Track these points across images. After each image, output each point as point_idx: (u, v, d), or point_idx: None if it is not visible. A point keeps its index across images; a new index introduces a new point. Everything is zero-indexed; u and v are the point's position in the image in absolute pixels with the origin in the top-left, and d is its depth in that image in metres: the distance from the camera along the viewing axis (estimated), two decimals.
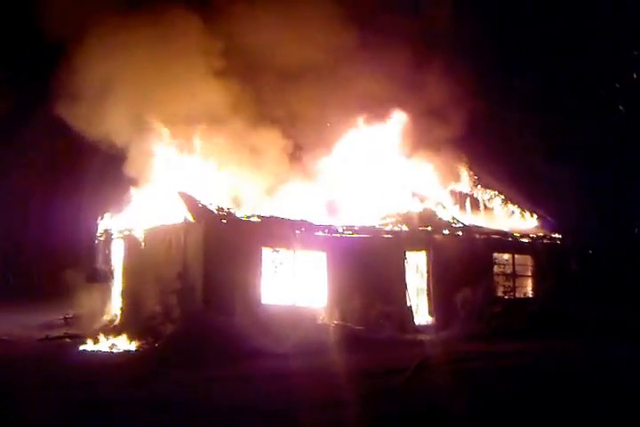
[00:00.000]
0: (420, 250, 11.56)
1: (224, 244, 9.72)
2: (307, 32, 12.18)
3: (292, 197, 11.58)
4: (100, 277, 11.83)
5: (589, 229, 14.16)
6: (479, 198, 13.98)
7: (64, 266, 13.18)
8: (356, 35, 12.86)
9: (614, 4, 15.58)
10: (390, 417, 5.68)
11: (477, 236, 12.17)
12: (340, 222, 10.91)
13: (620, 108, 14.14)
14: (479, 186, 14.08)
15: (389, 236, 11.17)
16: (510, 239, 12.66)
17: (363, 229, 10.99)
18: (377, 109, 13.71)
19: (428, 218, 11.88)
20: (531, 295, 12.65)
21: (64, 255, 14.60)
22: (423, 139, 13.50)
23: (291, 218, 10.56)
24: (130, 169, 11.09)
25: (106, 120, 11.08)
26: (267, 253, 10.14)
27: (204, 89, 11.41)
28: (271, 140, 12.29)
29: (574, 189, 15.66)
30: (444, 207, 12.72)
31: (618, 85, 14.23)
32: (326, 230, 10.60)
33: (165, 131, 11.14)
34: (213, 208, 10.18)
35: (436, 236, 11.66)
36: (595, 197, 15.99)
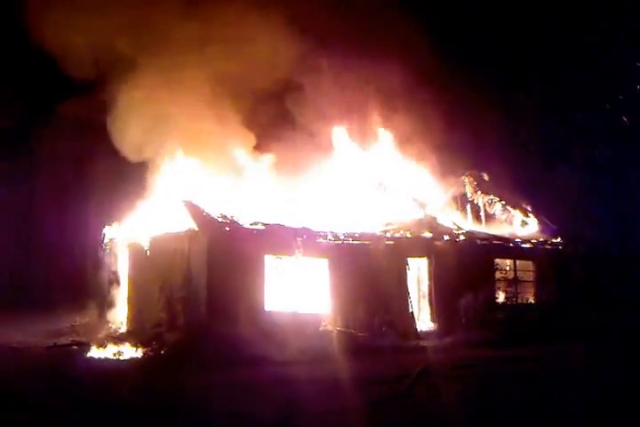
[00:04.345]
0: (421, 256, 11.60)
1: (228, 251, 9.83)
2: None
3: (293, 204, 11.71)
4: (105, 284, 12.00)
5: (591, 234, 14.17)
6: (480, 204, 14.04)
7: (71, 274, 13.37)
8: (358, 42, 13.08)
9: (617, 15, 15.68)
10: (394, 424, 5.75)
11: (479, 242, 12.20)
12: (341, 229, 11.02)
13: (624, 118, 14.21)
14: (480, 191, 14.15)
15: (391, 242, 11.25)
16: (512, 245, 12.67)
17: (364, 236, 11.06)
18: (378, 115, 13.88)
19: (430, 224, 11.95)
20: (533, 301, 12.64)
21: (71, 264, 14.78)
22: (424, 145, 13.63)
23: (293, 225, 10.68)
24: (136, 178, 11.30)
25: (120, 129, 11.32)
26: (269, 260, 10.25)
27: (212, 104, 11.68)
28: (273, 147, 12.48)
29: (576, 194, 15.68)
30: (445, 213, 12.79)
31: (621, 97, 14.34)
32: (328, 237, 10.70)
33: (175, 142, 11.36)
34: (217, 216, 10.33)
35: (438, 242, 11.70)
36: (597, 202, 16.00)
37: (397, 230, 11.50)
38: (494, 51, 16.25)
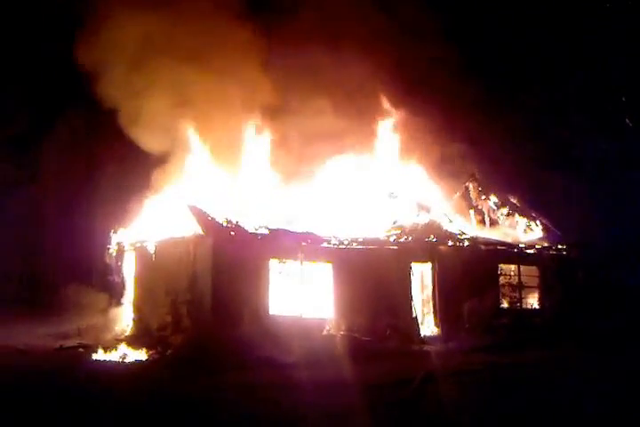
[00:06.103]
0: (425, 261, 11.65)
1: (233, 256, 9.93)
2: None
3: (298, 209, 11.79)
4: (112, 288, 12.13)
5: (596, 239, 14.15)
6: (484, 209, 14.07)
7: (78, 278, 13.50)
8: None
9: (620, 17, 15.70)
10: None
11: (483, 247, 12.22)
12: (345, 234, 11.08)
13: (627, 121, 14.21)
14: (484, 197, 14.18)
15: (395, 247, 11.30)
16: (516, 250, 12.68)
17: (368, 241, 11.12)
18: (384, 121, 13.97)
19: (434, 229, 11.99)
20: (537, 306, 12.63)
21: (78, 267, 14.93)
22: (429, 150, 13.69)
23: (297, 230, 10.76)
24: (143, 183, 11.45)
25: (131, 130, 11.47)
26: (274, 264, 10.33)
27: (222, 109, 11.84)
28: (279, 151, 12.60)
29: (580, 200, 15.66)
30: (449, 219, 12.83)
31: (624, 99, 14.34)
32: (332, 242, 10.77)
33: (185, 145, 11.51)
34: (222, 221, 10.43)
35: (442, 247, 11.75)
36: (601, 208, 15.96)
37: (401, 235, 11.55)
38: (496, 53, 16.29)
